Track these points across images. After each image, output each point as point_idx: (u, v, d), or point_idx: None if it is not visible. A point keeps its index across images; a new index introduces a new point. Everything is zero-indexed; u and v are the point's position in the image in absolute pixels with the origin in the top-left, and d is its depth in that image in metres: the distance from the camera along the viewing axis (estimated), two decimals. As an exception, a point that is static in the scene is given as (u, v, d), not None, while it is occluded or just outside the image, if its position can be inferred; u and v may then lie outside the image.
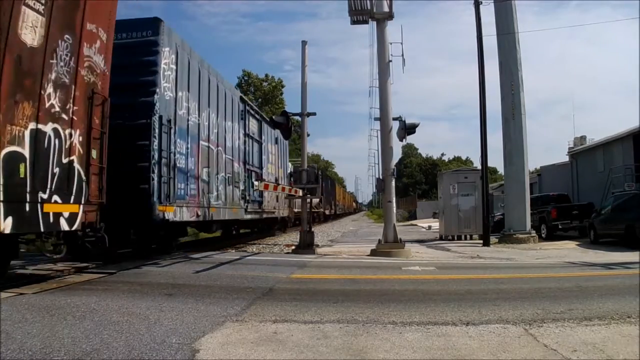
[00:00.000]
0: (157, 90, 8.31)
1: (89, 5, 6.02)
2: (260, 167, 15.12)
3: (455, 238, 16.89)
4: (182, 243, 13.80)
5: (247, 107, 14.11)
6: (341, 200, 53.16)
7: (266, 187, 11.33)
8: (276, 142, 17.70)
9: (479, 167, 16.92)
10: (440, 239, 17.34)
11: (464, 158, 73.79)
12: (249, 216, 13.80)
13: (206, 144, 10.56)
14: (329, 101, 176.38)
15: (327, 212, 36.07)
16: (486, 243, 14.09)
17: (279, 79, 53.31)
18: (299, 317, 4.38)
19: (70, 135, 5.79)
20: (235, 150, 12.63)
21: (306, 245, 11.48)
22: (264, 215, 15.66)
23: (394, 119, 11.31)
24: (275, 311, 4.61)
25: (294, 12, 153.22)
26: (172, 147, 8.80)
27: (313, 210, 22.94)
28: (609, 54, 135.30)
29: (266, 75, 52.72)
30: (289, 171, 18.37)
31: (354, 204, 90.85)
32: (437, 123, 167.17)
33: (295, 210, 22.01)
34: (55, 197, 5.49)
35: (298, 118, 12.52)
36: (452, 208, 17.00)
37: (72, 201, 5.79)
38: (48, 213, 5.34)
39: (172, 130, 8.81)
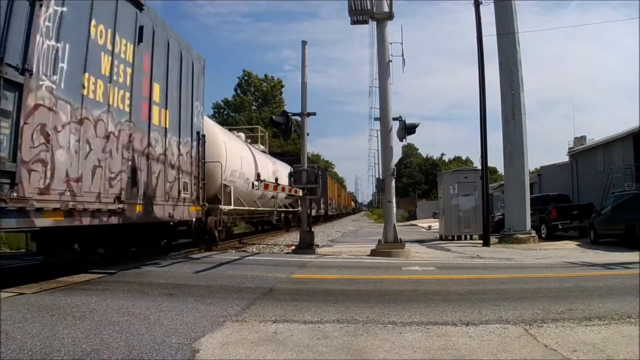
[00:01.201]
0: None
1: None
2: (22, 69, 5.09)
3: (455, 238, 16.88)
4: (180, 244, 13.66)
5: None
6: (335, 198, 42.10)
7: (266, 187, 11.31)
8: (141, 41, 7.74)
9: (479, 167, 16.92)
10: (440, 239, 17.34)
11: (464, 158, 73.76)
12: None
13: None
14: (329, 101, 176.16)
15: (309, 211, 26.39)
16: (486, 243, 14.08)
17: (278, 78, 53.52)
18: (299, 317, 4.38)
19: None
20: None
21: (306, 245, 11.48)
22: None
23: (394, 119, 11.31)
24: (275, 311, 4.61)
25: (294, 12, 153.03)
26: None
27: (281, 210, 17.66)
28: (609, 54, 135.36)
29: (265, 76, 52.86)
30: (200, 131, 10.30)
31: (352, 203, 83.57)
32: (437, 123, 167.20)
33: (226, 208, 11.63)
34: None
35: (298, 118, 12.52)
36: (452, 208, 17.00)
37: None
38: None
39: None
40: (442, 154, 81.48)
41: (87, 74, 6.34)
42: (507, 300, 5.22)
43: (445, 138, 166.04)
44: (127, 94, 7.41)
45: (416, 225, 31.56)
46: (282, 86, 53.17)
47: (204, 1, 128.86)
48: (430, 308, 4.80)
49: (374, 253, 10.76)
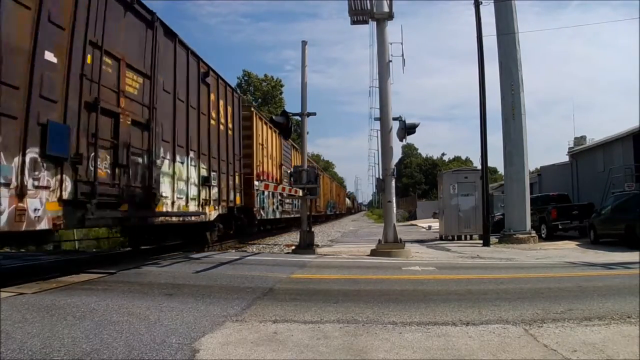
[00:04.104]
0: None
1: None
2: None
3: (455, 238, 16.88)
4: (182, 243, 13.49)
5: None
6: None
7: (266, 187, 11.31)
8: None
9: (479, 167, 16.93)
10: (440, 239, 17.34)
11: (464, 158, 73.81)
12: None
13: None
14: (329, 101, 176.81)
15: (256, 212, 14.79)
16: (486, 243, 14.08)
17: (278, 78, 53.39)
18: (299, 317, 4.38)
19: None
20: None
21: (306, 245, 11.48)
22: None
23: (394, 119, 11.31)
24: (276, 311, 4.60)
25: (295, 12, 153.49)
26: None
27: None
28: (609, 54, 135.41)
29: (265, 75, 52.79)
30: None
31: (347, 200, 73.23)
32: (437, 123, 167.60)
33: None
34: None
35: (298, 118, 12.53)
36: (452, 208, 17.00)
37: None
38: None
39: None
40: (443, 154, 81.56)
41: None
42: (507, 300, 5.22)
43: (445, 138, 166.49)
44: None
45: (416, 225, 31.55)
46: (282, 86, 53.08)
47: (204, 1, 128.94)
48: (430, 308, 4.80)
49: (374, 253, 10.76)
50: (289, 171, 20.15)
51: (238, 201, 12.78)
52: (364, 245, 13.15)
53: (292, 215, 21.31)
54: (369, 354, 3.35)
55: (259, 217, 15.13)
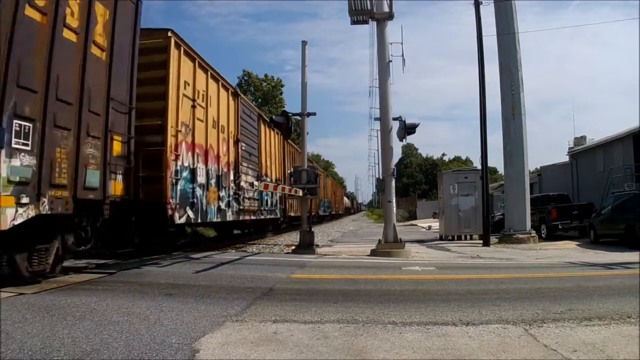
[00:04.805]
0: None
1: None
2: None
3: (455, 238, 16.89)
4: (182, 243, 13.20)
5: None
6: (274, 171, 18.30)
7: (266, 187, 11.30)
8: None
9: (479, 167, 16.93)
10: (440, 239, 17.34)
11: (464, 158, 73.80)
12: None
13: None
14: (329, 101, 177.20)
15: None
16: (486, 243, 14.09)
17: (278, 78, 53.41)
18: (299, 317, 4.38)
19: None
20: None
21: (306, 245, 11.48)
22: None
23: (394, 119, 11.31)
24: (276, 311, 4.60)
25: (295, 12, 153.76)
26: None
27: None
28: (609, 54, 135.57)
29: (265, 75, 52.82)
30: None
31: (346, 200, 69.21)
32: (437, 123, 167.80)
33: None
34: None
35: (298, 118, 12.53)
36: (452, 208, 17.00)
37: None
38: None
39: None
40: (443, 154, 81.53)
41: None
42: (507, 300, 5.22)
43: (445, 138, 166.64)
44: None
45: (416, 225, 31.56)
46: (282, 86, 53.11)
47: (205, 1, 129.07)
48: (430, 308, 4.80)
49: (374, 253, 10.77)
50: (256, 154, 14.49)
51: (118, 191, 6.99)
52: (364, 245, 13.15)
53: (264, 217, 15.54)
54: (369, 354, 3.35)
55: (180, 221, 9.25)
